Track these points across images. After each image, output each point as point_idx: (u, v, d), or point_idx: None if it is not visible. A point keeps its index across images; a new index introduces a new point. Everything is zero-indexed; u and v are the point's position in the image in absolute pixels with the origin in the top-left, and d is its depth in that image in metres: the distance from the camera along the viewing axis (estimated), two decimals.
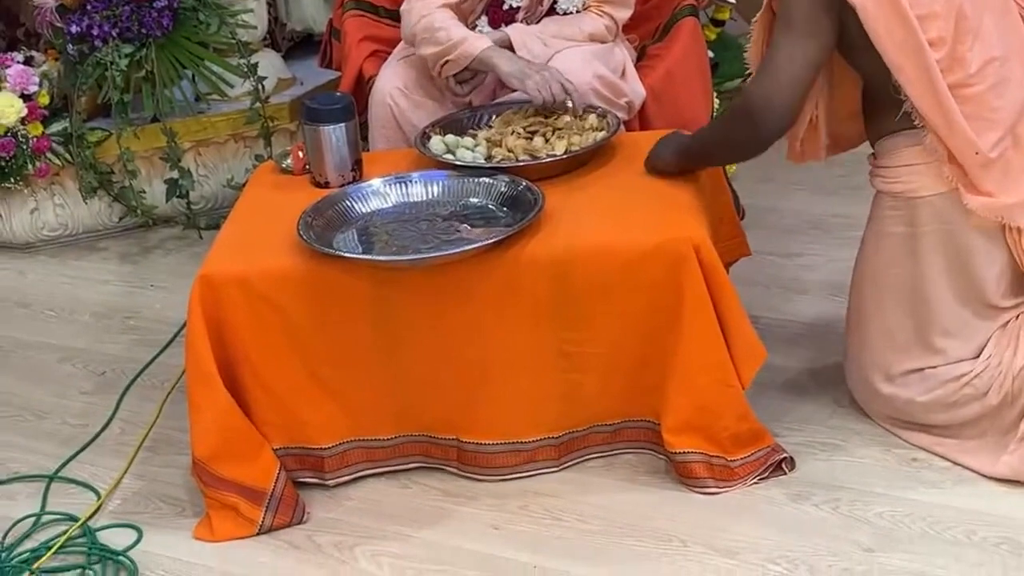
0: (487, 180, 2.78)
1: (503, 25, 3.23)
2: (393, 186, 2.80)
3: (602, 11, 3.25)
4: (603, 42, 3.25)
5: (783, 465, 2.68)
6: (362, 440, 2.74)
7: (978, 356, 2.62)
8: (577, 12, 3.26)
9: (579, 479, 2.72)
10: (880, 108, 2.59)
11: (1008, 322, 2.64)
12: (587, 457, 2.76)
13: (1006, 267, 2.60)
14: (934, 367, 2.65)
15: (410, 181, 2.81)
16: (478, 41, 3.05)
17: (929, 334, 2.64)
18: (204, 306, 2.59)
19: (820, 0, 2.45)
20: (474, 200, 2.76)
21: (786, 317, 3.27)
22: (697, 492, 2.64)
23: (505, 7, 3.25)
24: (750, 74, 2.67)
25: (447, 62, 3.05)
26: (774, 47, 2.52)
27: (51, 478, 2.89)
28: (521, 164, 2.81)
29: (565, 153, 2.83)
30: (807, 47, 2.48)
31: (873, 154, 2.69)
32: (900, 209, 2.62)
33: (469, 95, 3.14)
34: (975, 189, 2.51)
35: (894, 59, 2.44)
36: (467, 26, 3.29)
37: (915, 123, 2.51)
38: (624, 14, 3.28)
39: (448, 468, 2.76)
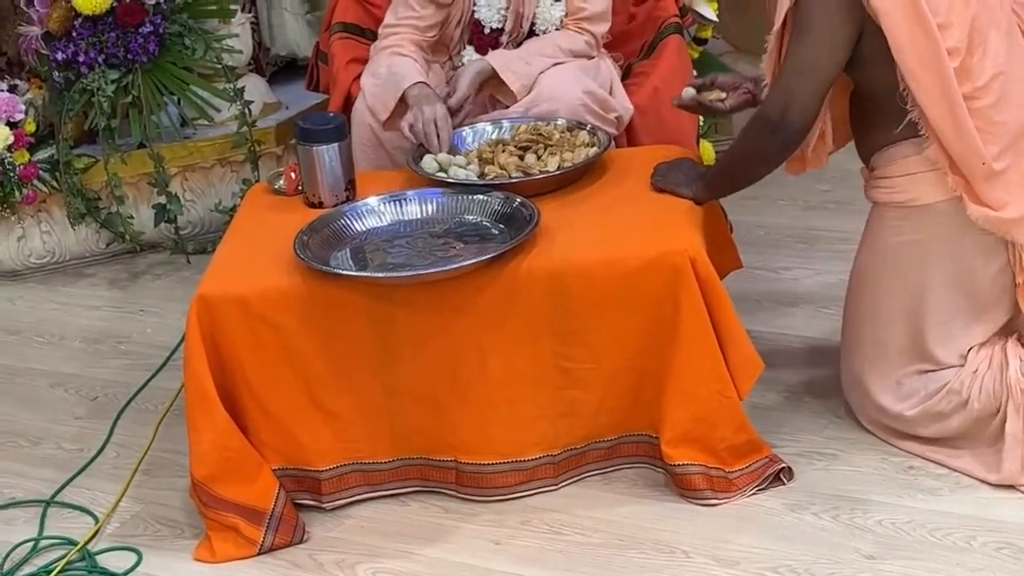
0: (481, 197, 2.79)
1: (489, 50, 3.26)
2: (389, 204, 2.81)
3: (580, 28, 3.27)
4: (588, 57, 3.27)
5: (781, 475, 2.69)
6: (359, 463, 2.74)
7: (963, 365, 2.65)
8: (556, 30, 3.28)
9: (579, 493, 2.73)
10: (879, 119, 2.61)
11: (986, 341, 2.67)
12: (586, 475, 2.77)
13: (1004, 268, 2.62)
14: (923, 372, 2.68)
15: (405, 199, 2.82)
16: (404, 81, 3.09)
17: (923, 341, 2.67)
18: (202, 326, 2.59)
19: (842, 8, 2.48)
20: (469, 217, 2.77)
21: (777, 330, 3.29)
22: (697, 504, 2.65)
23: (487, 31, 3.28)
24: (766, 84, 2.69)
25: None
26: (792, 56, 2.55)
27: (48, 503, 2.88)
28: (514, 181, 2.82)
29: (558, 169, 2.85)
30: (826, 57, 2.52)
31: (869, 167, 2.71)
32: (906, 219, 2.64)
33: (459, 125, 3.13)
34: (978, 199, 2.54)
35: (912, 67, 2.46)
36: (451, 55, 3.32)
37: (920, 132, 2.53)
38: (602, 28, 3.30)
39: (446, 491, 2.76)
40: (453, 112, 3.07)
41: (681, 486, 2.66)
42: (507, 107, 3.16)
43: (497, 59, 3.18)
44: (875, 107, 2.62)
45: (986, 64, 2.50)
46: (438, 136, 2.98)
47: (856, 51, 2.53)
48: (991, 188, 2.53)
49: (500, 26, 3.27)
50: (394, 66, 3.15)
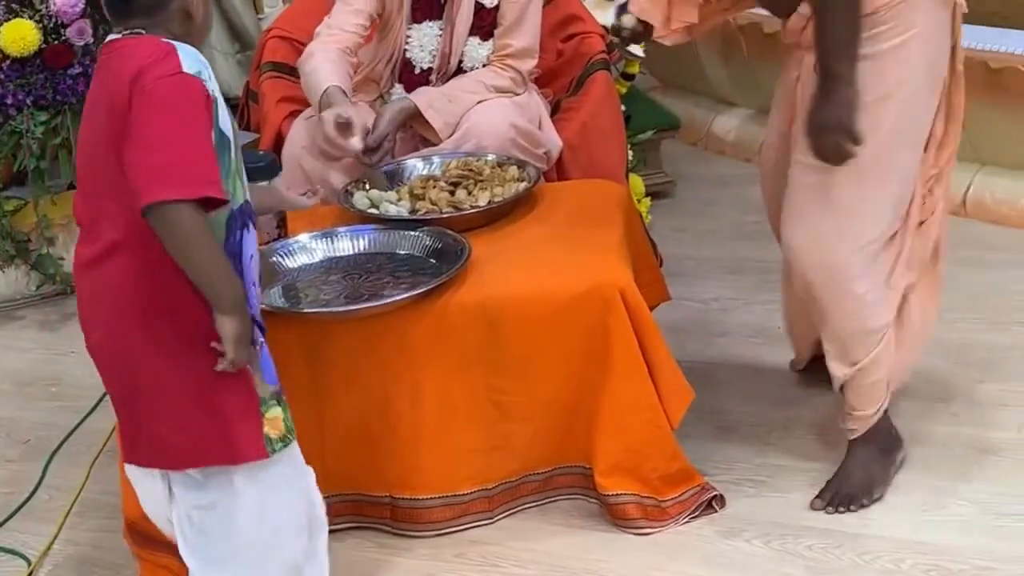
0: (412, 233, 2.81)
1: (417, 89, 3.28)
2: (320, 241, 2.82)
3: (505, 65, 3.30)
4: (514, 94, 3.30)
5: (713, 503, 2.72)
6: None
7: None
8: (483, 66, 3.31)
9: (514, 525, 2.74)
10: None
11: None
12: (521, 507, 2.78)
13: None
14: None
15: (336, 236, 2.83)
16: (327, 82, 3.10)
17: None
18: None
19: None
20: (401, 253, 2.79)
21: (708, 360, 3.33)
22: (631, 533, 2.67)
23: (417, 71, 3.30)
24: None
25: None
26: None
27: None
28: (445, 216, 2.85)
29: (488, 204, 2.88)
30: None
31: None
32: (894, 18, 2.47)
33: (378, 163, 3.15)
34: None
35: None
36: (380, 94, 3.34)
37: None
38: (528, 64, 3.33)
39: (381, 527, 2.76)
40: (372, 149, 3.07)
41: (615, 516, 2.69)
42: (436, 145, 3.19)
43: (420, 97, 3.20)
44: None
45: None
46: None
47: None
48: None
49: (430, 66, 3.30)
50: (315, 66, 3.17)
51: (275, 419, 2.17)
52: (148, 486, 2.27)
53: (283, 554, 2.28)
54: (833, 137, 2.45)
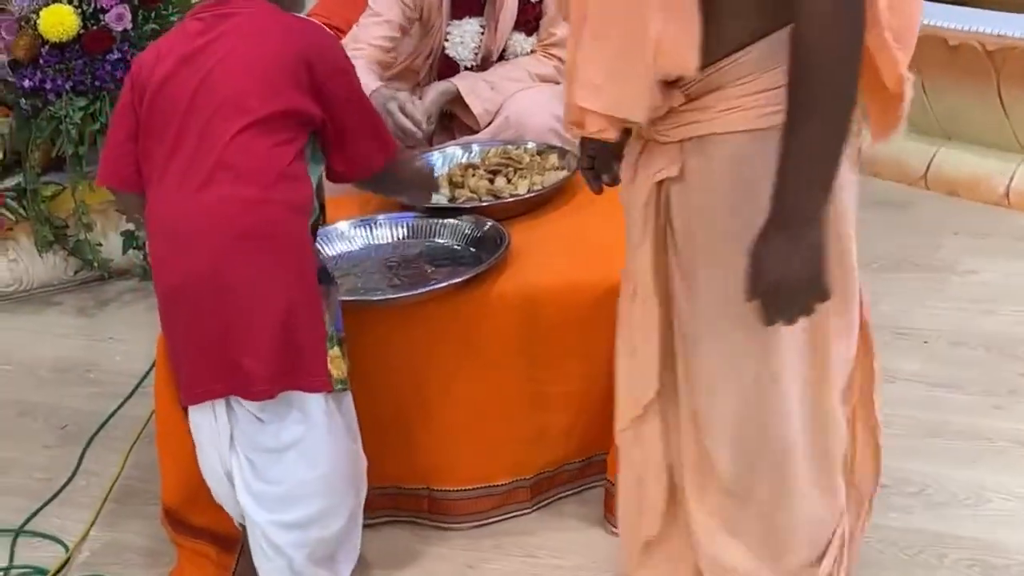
0: (452, 221, 2.80)
1: None
2: (359, 228, 2.81)
3: (549, 54, 3.28)
4: (555, 83, 3.28)
5: None
6: None
7: None
8: (526, 55, 3.29)
9: (552, 513, 2.74)
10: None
11: None
12: (559, 496, 2.78)
13: None
14: None
15: (376, 224, 2.82)
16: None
17: None
18: None
19: None
20: (440, 241, 2.78)
21: None
22: None
23: (461, 69, 3.28)
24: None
25: None
26: None
27: (18, 532, 2.86)
28: (485, 204, 2.83)
29: (528, 192, 2.86)
30: None
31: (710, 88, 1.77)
32: (763, 148, 1.73)
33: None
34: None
35: None
36: (418, 82, 3.32)
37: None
38: None
39: (419, 520, 2.75)
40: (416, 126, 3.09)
41: None
42: (474, 133, 3.17)
43: (463, 81, 3.19)
44: None
45: None
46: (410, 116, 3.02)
47: None
48: None
49: (472, 64, 3.28)
50: None
51: (336, 359, 2.29)
52: (210, 433, 2.31)
53: (345, 501, 2.38)
54: (799, 298, 1.73)
